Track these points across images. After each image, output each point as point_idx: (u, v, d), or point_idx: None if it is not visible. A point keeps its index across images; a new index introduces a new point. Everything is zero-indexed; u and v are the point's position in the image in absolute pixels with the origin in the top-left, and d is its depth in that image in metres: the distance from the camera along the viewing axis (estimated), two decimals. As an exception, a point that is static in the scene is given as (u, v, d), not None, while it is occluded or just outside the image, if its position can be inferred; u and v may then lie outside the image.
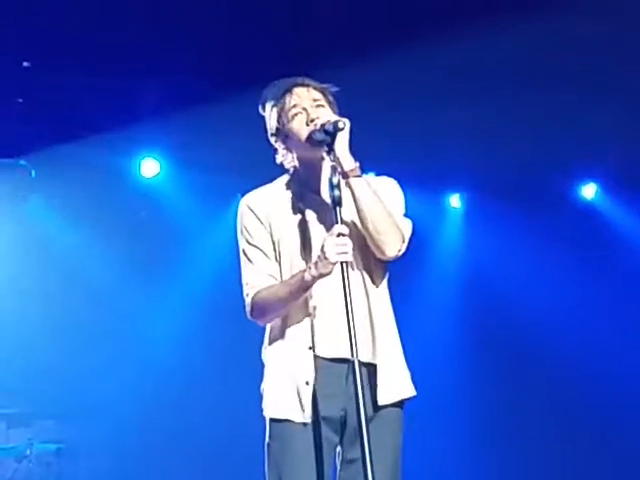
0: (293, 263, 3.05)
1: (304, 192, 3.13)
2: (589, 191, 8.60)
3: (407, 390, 3.10)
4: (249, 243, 3.12)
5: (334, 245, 2.85)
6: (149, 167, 7.56)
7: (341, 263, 2.85)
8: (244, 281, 3.12)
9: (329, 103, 3.13)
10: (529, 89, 6.64)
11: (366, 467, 2.68)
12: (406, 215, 3.17)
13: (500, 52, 6.09)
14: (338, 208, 2.89)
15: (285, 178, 3.20)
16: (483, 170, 7.86)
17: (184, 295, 7.55)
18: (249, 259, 3.11)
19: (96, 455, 7.15)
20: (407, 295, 8.12)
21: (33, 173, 7.17)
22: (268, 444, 3.04)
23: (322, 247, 2.88)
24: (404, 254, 3.07)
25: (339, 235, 2.86)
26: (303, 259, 3.04)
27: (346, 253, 2.85)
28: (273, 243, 3.09)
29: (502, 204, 8.14)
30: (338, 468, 3.06)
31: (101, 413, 7.18)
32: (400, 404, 3.08)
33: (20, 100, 6.59)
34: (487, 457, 7.89)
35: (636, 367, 7.92)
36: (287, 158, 3.15)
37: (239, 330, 3.18)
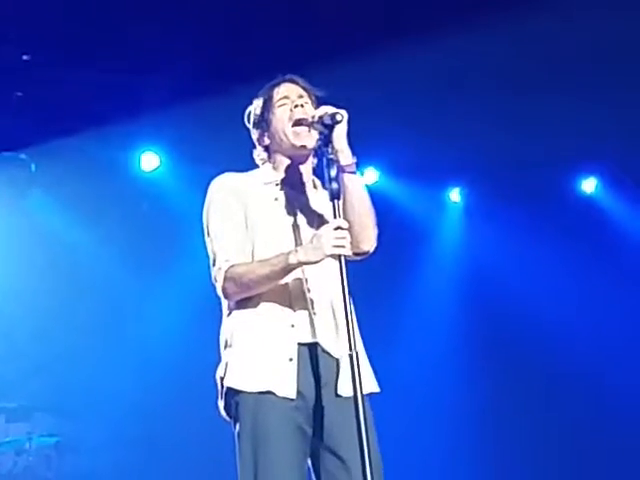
0: (267, 247, 3.04)
1: (283, 179, 3.17)
2: (589, 185, 8.60)
3: (371, 385, 3.08)
4: (222, 217, 3.11)
5: (332, 238, 2.85)
6: (149, 161, 7.56)
7: (338, 256, 2.85)
8: (215, 253, 3.11)
9: (312, 102, 3.21)
10: (529, 85, 6.64)
11: (365, 468, 2.66)
12: None
13: (501, 49, 6.10)
14: (336, 201, 2.89)
15: (265, 167, 3.25)
16: (483, 165, 7.87)
17: (184, 289, 7.52)
18: (221, 232, 3.10)
19: (95, 448, 7.14)
20: (407, 289, 8.18)
21: (33, 167, 7.16)
22: (241, 418, 3.00)
23: (318, 236, 2.88)
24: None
25: (337, 228, 2.87)
26: (277, 244, 3.02)
27: (343, 247, 2.86)
28: (246, 222, 3.09)
29: (502, 199, 8.14)
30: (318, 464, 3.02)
31: (100, 406, 7.17)
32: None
33: (20, 93, 6.58)
34: (488, 457, 7.88)
35: (638, 363, 7.91)
36: (262, 154, 3.23)
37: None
